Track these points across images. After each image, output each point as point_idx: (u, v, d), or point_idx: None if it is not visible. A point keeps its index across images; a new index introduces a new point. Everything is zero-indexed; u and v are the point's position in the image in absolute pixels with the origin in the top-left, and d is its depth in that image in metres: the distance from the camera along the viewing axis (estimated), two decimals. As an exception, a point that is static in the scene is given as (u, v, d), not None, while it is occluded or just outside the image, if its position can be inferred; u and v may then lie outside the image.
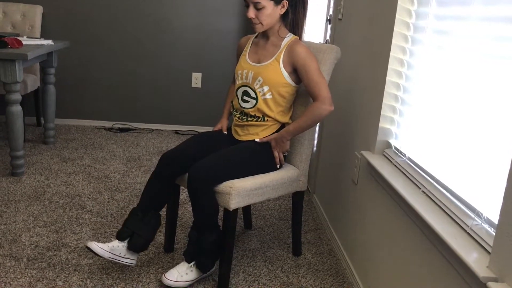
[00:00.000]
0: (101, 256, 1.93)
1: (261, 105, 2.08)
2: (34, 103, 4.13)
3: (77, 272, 2.06)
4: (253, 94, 2.09)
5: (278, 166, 2.12)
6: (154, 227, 2.05)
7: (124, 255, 1.99)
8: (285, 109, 2.13)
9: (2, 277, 1.98)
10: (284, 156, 2.15)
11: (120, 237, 2.00)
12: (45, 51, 3.13)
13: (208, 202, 1.91)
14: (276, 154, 2.08)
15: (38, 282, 1.97)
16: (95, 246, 1.93)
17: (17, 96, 2.91)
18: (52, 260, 2.14)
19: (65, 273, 2.05)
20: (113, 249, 1.97)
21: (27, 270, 2.05)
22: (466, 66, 1.43)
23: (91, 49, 4.22)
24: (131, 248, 1.99)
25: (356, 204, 2.21)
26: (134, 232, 2.00)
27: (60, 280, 2.00)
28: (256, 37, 2.20)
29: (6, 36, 2.99)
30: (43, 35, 4.06)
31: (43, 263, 2.11)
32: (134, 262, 2.03)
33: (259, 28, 2.04)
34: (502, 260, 1.10)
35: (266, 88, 2.06)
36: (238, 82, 2.14)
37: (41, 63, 3.57)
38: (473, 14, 1.40)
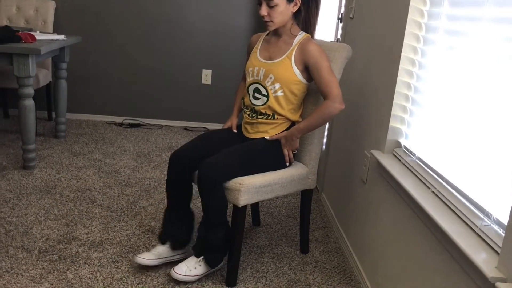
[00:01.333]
0: (153, 266, 2.08)
1: (272, 102, 2.09)
2: (46, 97, 4.17)
3: (87, 265, 2.09)
4: (264, 92, 2.10)
5: (287, 164, 2.13)
6: (190, 221, 2.15)
7: (172, 254, 2.12)
8: (296, 107, 2.14)
9: (14, 269, 2.01)
10: (294, 154, 2.15)
11: (162, 241, 2.12)
12: (58, 46, 3.16)
13: (218, 199, 1.93)
14: (285, 152, 2.09)
15: (49, 274, 2.00)
16: (141, 259, 2.04)
17: (30, 90, 2.94)
18: (62, 253, 2.16)
19: (75, 265, 2.08)
20: (160, 254, 2.08)
21: (38, 262, 2.08)
22: (477, 67, 1.43)
23: (103, 44, 4.25)
24: (175, 248, 2.12)
25: (364, 203, 2.21)
26: (173, 232, 2.11)
27: (71, 272, 2.02)
28: (267, 34, 2.21)
29: (19, 31, 3.02)
30: (56, 30, 4.10)
31: (54, 255, 2.14)
32: (184, 254, 2.15)
33: (271, 26, 2.04)
34: (511, 261, 1.10)
35: (277, 85, 2.07)
36: (249, 79, 2.15)
37: (53, 58, 3.60)
38: (485, 15, 1.40)
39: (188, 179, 2.09)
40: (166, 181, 2.14)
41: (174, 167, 2.06)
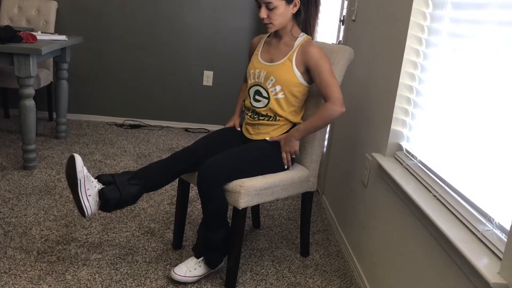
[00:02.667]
0: (74, 171, 1.80)
1: (273, 104, 2.08)
2: (46, 97, 4.17)
3: (86, 267, 2.08)
4: (265, 94, 2.09)
5: (286, 166, 2.11)
6: (134, 196, 1.93)
7: (89, 195, 1.84)
8: (297, 109, 2.13)
9: (12, 269, 2.00)
10: (292, 159, 2.13)
11: (100, 179, 1.91)
12: (59, 46, 3.16)
13: (218, 200, 1.92)
14: (284, 154, 2.08)
15: (47, 275, 1.99)
16: (79, 159, 1.81)
17: (31, 91, 2.94)
18: (61, 254, 2.15)
19: (74, 267, 2.07)
20: (88, 178, 1.85)
21: (37, 263, 2.07)
22: (480, 70, 1.42)
23: (104, 45, 4.24)
24: (102, 194, 1.85)
25: (365, 206, 2.20)
26: (116, 183, 1.90)
27: (69, 274, 2.01)
28: (268, 36, 2.20)
29: (21, 31, 3.02)
30: (57, 31, 4.10)
31: (53, 256, 2.13)
32: (89, 212, 1.85)
33: (272, 28, 2.03)
34: (514, 267, 1.09)
35: (278, 88, 2.06)
36: (250, 82, 2.15)
37: (54, 58, 3.59)
38: (489, 18, 1.39)
39: (174, 178, 2.05)
40: (158, 161, 2.03)
41: (173, 162, 2.03)
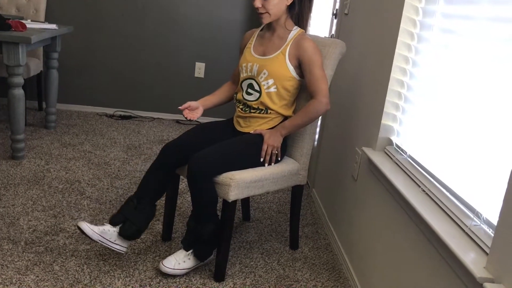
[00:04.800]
0: (90, 238, 1.91)
1: (264, 98, 2.07)
2: (36, 87, 4.13)
3: (74, 258, 2.07)
4: (257, 87, 2.08)
5: (262, 159, 2.03)
6: (148, 217, 2.03)
7: (115, 240, 1.97)
8: (289, 103, 2.12)
9: (-1, 260, 1.99)
10: (277, 160, 2.10)
11: (112, 222, 1.99)
12: (49, 35, 3.12)
13: (207, 193, 1.91)
14: (265, 147, 2.03)
15: (35, 266, 1.98)
16: (85, 226, 1.90)
17: (20, 80, 2.90)
18: (49, 245, 2.14)
19: (62, 258, 2.06)
20: (104, 232, 1.94)
21: (24, 253, 2.05)
22: (471, 66, 1.43)
23: (95, 35, 4.20)
24: (122, 234, 1.96)
25: (355, 200, 2.21)
26: (128, 218, 1.98)
27: (57, 264, 2.00)
28: (261, 30, 2.19)
29: (10, 19, 2.98)
30: (47, 19, 4.05)
31: (41, 247, 2.12)
32: (124, 249, 2.00)
33: (266, 18, 2.02)
34: (500, 261, 1.10)
35: (271, 81, 2.05)
36: (243, 75, 2.14)
37: (44, 47, 3.55)
38: (481, 14, 1.39)
39: (173, 172, 2.07)
40: (147, 170, 2.07)
41: (163, 159, 2.04)
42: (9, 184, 2.70)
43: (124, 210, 2.01)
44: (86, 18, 4.15)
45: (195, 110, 2.16)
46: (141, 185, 2.06)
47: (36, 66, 3.73)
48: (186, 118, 2.10)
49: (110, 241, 1.96)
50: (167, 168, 2.05)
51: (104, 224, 1.99)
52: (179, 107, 2.13)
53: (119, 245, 1.98)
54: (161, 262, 2.00)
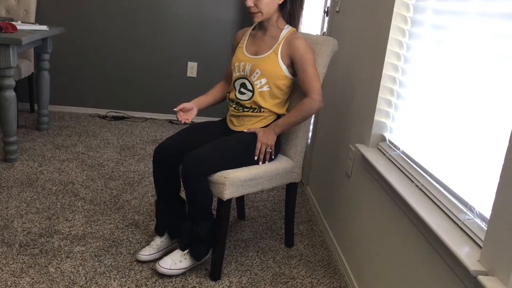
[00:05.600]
0: (156, 259, 2.08)
1: (257, 98, 2.08)
2: (28, 89, 4.10)
3: (69, 259, 2.06)
4: (250, 87, 2.09)
5: (256, 158, 2.03)
6: (182, 209, 2.15)
7: (171, 243, 2.16)
8: (282, 102, 2.13)
9: (-6, 263, 1.98)
10: (271, 158, 2.11)
11: (159, 233, 2.14)
12: (40, 36, 3.10)
13: (202, 192, 1.92)
14: (258, 145, 2.03)
15: (30, 268, 1.97)
16: (145, 257, 2.07)
17: (11, 82, 2.89)
18: (44, 247, 2.13)
19: (57, 259, 2.05)
20: (160, 246, 2.11)
21: (19, 256, 2.04)
22: (462, 61, 1.44)
23: (87, 35, 4.19)
24: (173, 237, 2.16)
25: (349, 197, 2.22)
26: (169, 223, 2.12)
27: (52, 266, 2.00)
28: (253, 29, 2.19)
29: (0, 21, 2.96)
30: (38, 20, 4.03)
31: (35, 249, 2.11)
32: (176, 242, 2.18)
33: (258, 17, 2.02)
34: (493, 254, 1.11)
35: (264, 81, 2.05)
36: (236, 74, 2.14)
37: (35, 48, 3.53)
38: (471, 10, 1.40)
39: (174, 172, 2.08)
40: (152, 174, 2.13)
41: (158, 161, 2.05)
42: (2, 187, 2.68)
43: (161, 218, 2.14)
44: (77, 19, 4.13)
45: (189, 112, 2.16)
46: (157, 190, 2.14)
47: (27, 67, 3.71)
48: (180, 121, 2.12)
49: (170, 246, 2.17)
50: (166, 169, 2.05)
51: (154, 239, 2.15)
52: (174, 109, 2.14)
53: (176, 243, 2.18)
54: (157, 263, 2.00)
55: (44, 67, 3.59)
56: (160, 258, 2.07)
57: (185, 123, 2.27)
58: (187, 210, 2.02)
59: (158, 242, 2.12)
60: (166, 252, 2.13)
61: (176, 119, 4.45)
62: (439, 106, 1.57)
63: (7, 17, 3.63)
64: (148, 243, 2.25)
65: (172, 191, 2.12)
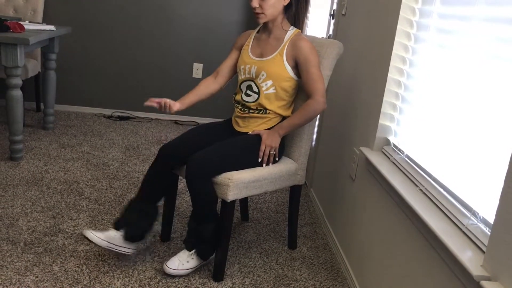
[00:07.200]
0: (97, 245, 1.95)
1: (262, 100, 2.08)
2: (34, 88, 4.13)
3: (73, 258, 2.07)
4: (256, 89, 2.09)
5: (259, 160, 2.03)
6: (152, 218, 2.06)
7: (121, 244, 1.99)
8: (287, 103, 2.13)
9: (-2, 261, 1.99)
10: (275, 160, 2.11)
11: (116, 227, 2.01)
12: (47, 36, 3.12)
13: (206, 193, 1.92)
14: (263, 147, 2.03)
15: (34, 266, 1.98)
16: (91, 235, 1.93)
17: (18, 81, 2.91)
18: (48, 245, 2.15)
19: (61, 258, 2.06)
20: (110, 238, 1.97)
21: (23, 254, 2.06)
22: (467, 66, 1.44)
23: (93, 35, 4.21)
24: (126, 238, 2.00)
25: (353, 200, 2.22)
26: (131, 222, 2.01)
27: (57, 265, 2.01)
28: (258, 32, 2.20)
29: (8, 20, 2.98)
30: (45, 20, 4.05)
31: (40, 248, 2.12)
32: (132, 251, 2.04)
33: (263, 18, 2.03)
34: (496, 260, 1.11)
35: (269, 83, 2.06)
36: (241, 77, 2.15)
37: (42, 48, 3.55)
38: (476, 14, 1.40)
39: (171, 174, 2.08)
40: (147, 172, 2.08)
41: (162, 160, 2.05)
42: (7, 185, 2.70)
43: (127, 213, 2.03)
44: (84, 19, 4.15)
45: (170, 106, 2.06)
46: (142, 188, 2.07)
47: (34, 67, 3.73)
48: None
49: (117, 245, 1.98)
50: (165, 171, 2.06)
51: (108, 229, 2.02)
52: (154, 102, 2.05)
53: (127, 248, 2.02)
54: (165, 264, 2.00)
55: (51, 67, 3.61)
56: (106, 250, 2.08)
57: (170, 113, 2.14)
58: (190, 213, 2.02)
59: (112, 234, 1.98)
60: (112, 252, 2.02)
61: (181, 119, 4.46)
62: (444, 110, 1.57)
63: (15, 16, 3.65)
64: (152, 243, 2.26)
65: (157, 194, 2.07)
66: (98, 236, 1.94)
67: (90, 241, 1.94)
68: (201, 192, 1.91)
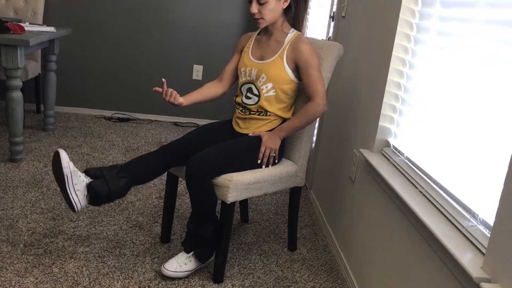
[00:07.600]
0: (60, 168, 1.76)
1: (262, 102, 2.08)
2: (34, 89, 4.13)
3: (73, 260, 2.07)
4: (256, 91, 2.10)
5: (259, 161, 2.03)
6: (122, 189, 1.90)
7: (78, 189, 1.81)
8: (288, 106, 2.13)
9: (-2, 262, 1.99)
10: (275, 162, 2.11)
11: (87, 173, 1.88)
12: (47, 38, 3.13)
13: (206, 194, 1.92)
14: (263, 149, 2.03)
15: (34, 268, 1.98)
16: (64, 155, 1.77)
17: (18, 82, 2.91)
18: (48, 247, 2.14)
19: (61, 260, 2.06)
20: (75, 173, 1.81)
21: (23, 255, 2.06)
22: (467, 68, 1.44)
23: (94, 37, 4.21)
24: (91, 188, 1.83)
25: (352, 202, 2.22)
26: (104, 176, 1.87)
27: (56, 267, 2.01)
28: (258, 34, 2.20)
29: (8, 22, 2.98)
30: (46, 22, 4.05)
31: (40, 249, 2.12)
32: (78, 206, 1.83)
33: (262, 23, 2.03)
34: (496, 261, 1.11)
35: (270, 85, 2.06)
36: (242, 80, 2.15)
37: (42, 50, 3.56)
38: (476, 17, 1.41)
39: (163, 171, 2.03)
40: (144, 154, 2.01)
41: (162, 151, 2.02)
42: (7, 187, 2.70)
43: (105, 169, 1.90)
44: (84, 21, 4.16)
45: (174, 97, 2.03)
46: (131, 162, 1.98)
47: (34, 68, 3.73)
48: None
49: (72, 186, 1.80)
50: (163, 162, 2.02)
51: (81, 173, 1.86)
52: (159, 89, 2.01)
53: (77, 198, 1.82)
54: (162, 266, 2.00)
55: (51, 68, 3.61)
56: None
57: (173, 104, 2.07)
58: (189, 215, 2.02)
59: (82, 175, 1.85)
60: (67, 189, 1.79)
61: (180, 121, 4.46)
62: (444, 112, 1.57)
63: (15, 18, 3.65)
64: (151, 244, 2.26)
65: (142, 176, 1.98)
66: (68, 161, 1.78)
67: (56, 159, 1.77)
68: (200, 193, 1.91)
